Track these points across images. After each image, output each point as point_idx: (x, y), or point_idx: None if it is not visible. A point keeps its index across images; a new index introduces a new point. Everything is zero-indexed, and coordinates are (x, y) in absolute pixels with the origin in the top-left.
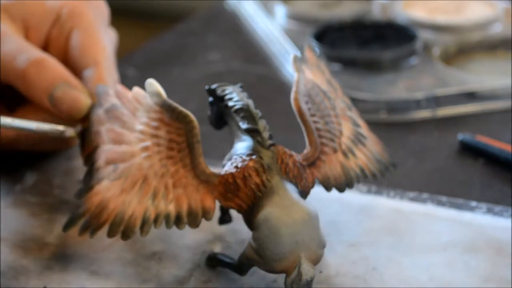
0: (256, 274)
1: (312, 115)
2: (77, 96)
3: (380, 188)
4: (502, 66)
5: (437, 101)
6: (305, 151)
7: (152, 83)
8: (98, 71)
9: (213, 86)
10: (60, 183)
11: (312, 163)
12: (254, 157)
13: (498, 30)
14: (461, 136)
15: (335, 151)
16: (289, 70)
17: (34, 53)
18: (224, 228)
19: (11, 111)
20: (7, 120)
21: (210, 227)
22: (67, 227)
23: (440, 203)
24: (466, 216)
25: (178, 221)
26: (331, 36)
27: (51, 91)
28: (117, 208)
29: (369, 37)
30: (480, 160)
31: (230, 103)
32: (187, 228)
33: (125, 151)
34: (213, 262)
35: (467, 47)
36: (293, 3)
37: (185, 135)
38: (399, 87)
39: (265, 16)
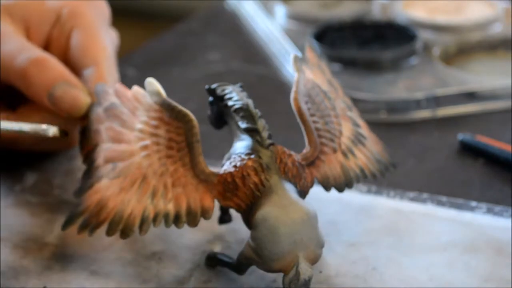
0: (256, 273)
1: (312, 115)
2: (76, 94)
3: (380, 188)
4: (502, 66)
5: (437, 101)
6: (304, 151)
7: (152, 82)
8: (98, 70)
9: (213, 86)
10: (60, 183)
11: (311, 162)
12: (253, 156)
13: (498, 30)
14: (461, 136)
15: (334, 151)
16: (289, 70)
17: (35, 52)
18: (223, 227)
19: (12, 111)
20: None
21: (209, 226)
22: (66, 225)
23: (440, 203)
24: (466, 216)
25: (177, 220)
26: (331, 36)
27: (51, 90)
28: (116, 206)
29: (369, 37)
30: (480, 160)
31: (230, 103)
32: (187, 228)
33: (124, 150)
34: (213, 261)
35: (467, 47)
36: (293, 3)
37: (185, 134)
38: (399, 87)
39: (265, 16)
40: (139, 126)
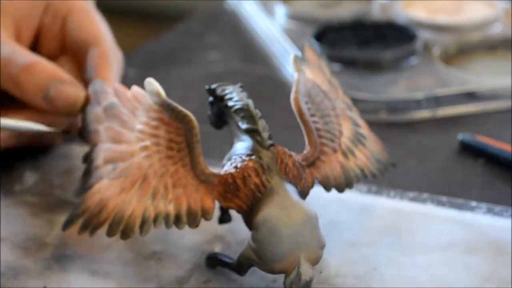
0: (256, 274)
1: (312, 115)
2: (71, 91)
3: (380, 188)
4: (502, 66)
5: (437, 101)
6: (304, 151)
7: (152, 82)
8: (101, 47)
9: (213, 86)
10: (60, 183)
11: (311, 163)
12: (253, 157)
13: (498, 30)
14: (461, 136)
15: (334, 151)
16: (289, 70)
17: (25, 58)
18: (224, 228)
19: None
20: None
21: (210, 227)
22: (66, 225)
23: (440, 203)
24: (466, 216)
25: (177, 221)
26: (331, 36)
27: (45, 91)
28: (116, 207)
29: (369, 37)
30: (480, 160)
31: (230, 103)
32: (187, 228)
33: (125, 150)
34: (213, 262)
35: (467, 47)
36: (293, 3)
37: (185, 135)
38: (399, 87)
39: (265, 16)
40: (139, 126)
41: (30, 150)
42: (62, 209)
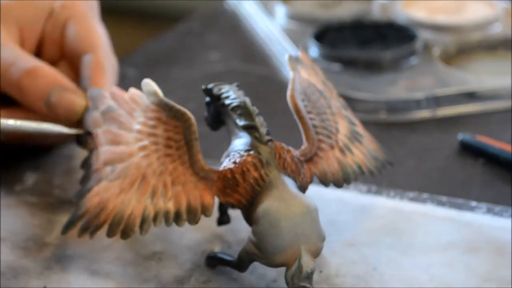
0: (256, 273)
1: (309, 112)
2: (72, 99)
3: (380, 188)
4: (502, 66)
5: (437, 101)
6: (302, 147)
7: (149, 83)
8: (96, 55)
9: (210, 86)
10: (60, 183)
11: (309, 159)
12: (252, 152)
13: (498, 30)
14: (461, 136)
15: (332, 147)
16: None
17: (28, 62)
18: (223, 228)
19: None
20: (9, 122)
21: (209, 227)
22: (66, 229)
23: (440, 203)
24: (466, 216)
25: (177, 218)
26: (331, 36)
27: (47, 97)
28: (116, 207)
29: (369, 37)
30: (480, 160)
31: (227, 101)
32: (187, 228)
33: (123, 151)
34: (213, 261)
35: (467, 47)
36: (293, 3)
37: (183, 133)
38: (399, 87)
39: (265, 16)
40: (136, 127)
41: (30, 150)
42: (62, 209)
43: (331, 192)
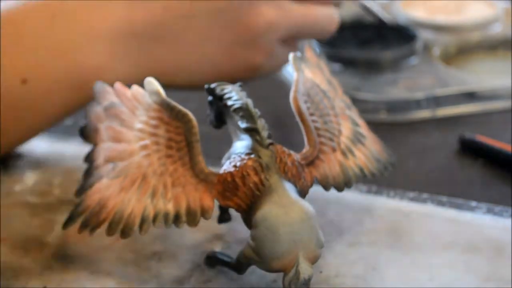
0: (256, 273)
1: (311, 114)
2: None
3: (380, 188)
4: (502, 66)
5: (437, 101)
6: (304, 150)
7: (151, 82)
8: None
9: (212, 85)
10: (60, 183)
11: (310, 162)
12: (252, 156)
13: (498, 30)
14: (461, 136)
15: (334, 150)
16: (289, 70)
17: None
18: (223, 227)
19: None
20: None
21: (209, 227)
22: (66, 224)
23: (440, 203)
24: (466, 216)
25: (177, 220)
26: (331, 36)
27: None
28: (116, 206)
29: (369, 37)
30: (480, 160)
31: (229, 102)
32: (187, 228)
33: (124, 149)
34: (212, 261)
35: (467, 47)
36: None
37: (184, 134)
38: (399, 87)
39: None
40: (138, 125)
41: (30, 150)
42: (62, 209)
43: (331, 193)
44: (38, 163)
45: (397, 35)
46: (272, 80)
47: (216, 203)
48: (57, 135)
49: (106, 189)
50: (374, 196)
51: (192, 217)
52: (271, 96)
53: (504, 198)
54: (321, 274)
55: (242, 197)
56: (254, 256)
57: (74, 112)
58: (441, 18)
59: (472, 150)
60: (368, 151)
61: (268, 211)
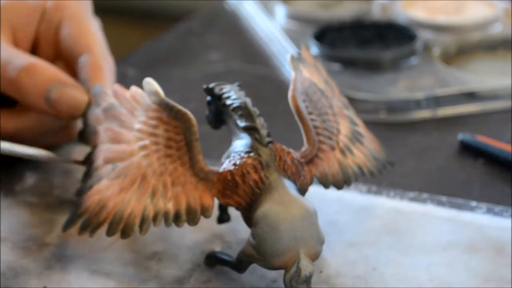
0: (256, 273)
1: (310, 113)
2: (74, 94)
3: (380, 188)
4: (502, 66)
5: (437, 101)
6: (303, 149)
7: (150, 82)
8: (92, 56)
9: (211, 85)
10: (60, 183)
11: (310, 160)
12: (252, 154)
13: (498, 30)
14: (461, 136)
15: (332, 148)
16: (289, 70)
17: (24, 59)
18: (223, 227)
19: (10, 107)
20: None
21: (209, 226)
22: (66, 227)
23: (440, 203)
24: (466, 216)
25: (177, 219)
26: (331, 36)
27: (46, 93)
28: (116, 206)
29: (369, 37)
30: (480, 160)
31: (228, 102)
32: (187, 228)
33: (124, 150)
34: (212, 260)
35: (467, 47)
36: (293, 3)
37: (184, 134)
38: (399, 87)
39: (265, 16)
40: (137, 126)
41: None
42: (62, 209)
43: (331, 192)
44: (38, 163)
45: (397, 35)
46: (271, 79)
47: (216, 202)
48: None
49: (106, 190)
50: (374, 196)
51: (192, 216)
52: (272, 97)
53: (504, 198)
54: (322, 274)
55: (242, 195)
56: (255, 254)
57: None
58: (441, 18)
59: (472, 150)
60: (366, 150)
61: (268, 208)
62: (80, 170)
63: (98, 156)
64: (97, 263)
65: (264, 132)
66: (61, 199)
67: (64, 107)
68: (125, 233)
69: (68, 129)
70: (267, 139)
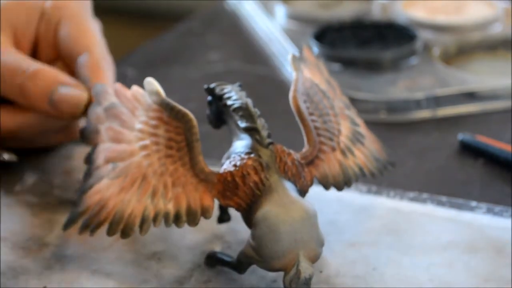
0: (256, 273)
1: (311, 114)
2: (74, 93)
3: (380, 188)
4: (502, 66)
5: (437, 101)
6: (303, 150)
7: (151, 82)
8: (91, 56)
9: (212, 85)
10: (60, 183)
11: (310, 161)
12: (252, 155)
13: (498, 30)
14: (461, 136)
15: (333, 149)
16: (289, 70)
17: (29, 66)
18: (224, 228)
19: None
20: None
21: (210, 227)
22: (67, 225)
23: (440, 203)
24: (466, 216)
25: (177, 220)
26: (331, 36)
27: (50, 96)
28: (116, 206)
29: (369, 37)
30: (480, 160)
31: (229, 102)
32: (187, 228)
33: (124, 150)
34: (212, 260)
35: (467, 47)
36: (293, 3)
37: (184, 134)
38: (399, 87)
39: (265, 16)
40: (138, 126)
41: (30, 150)
42: (62, 209)
43: (331, 192)
44: (38, 163)
45: (397, 35)
46: (271, 79)
47: (216, 203)
48: None
49: (106, 190)
50: (374, 196)
51: (193, 217)
52: (272, 97)
53: (504, 198)
54: (322, 274)
55: (242, 197)
56: (255, 256)
57: None
58: (441, 18)
59: (472, 150)
60: (367, 151)
61: (268, 210)
62: (80, 170)
63: (98, 156)
64: (97, 263)
65: (264, 133)
66: (61, 199)
67: (65, 106)
68: (125, 233)
69: (69, 129)
70: (268, 140)
